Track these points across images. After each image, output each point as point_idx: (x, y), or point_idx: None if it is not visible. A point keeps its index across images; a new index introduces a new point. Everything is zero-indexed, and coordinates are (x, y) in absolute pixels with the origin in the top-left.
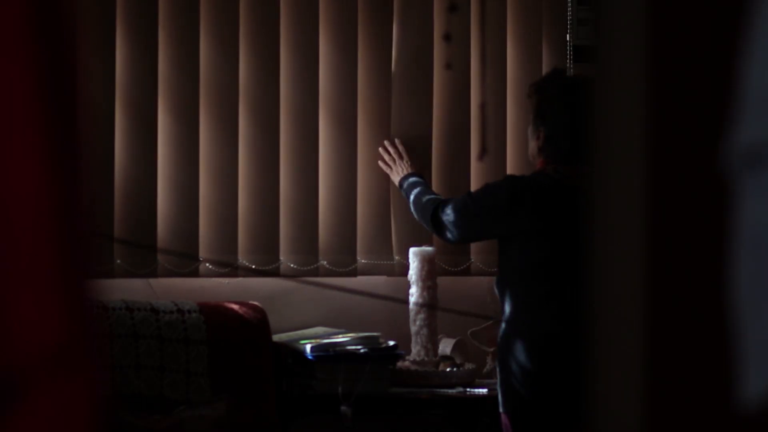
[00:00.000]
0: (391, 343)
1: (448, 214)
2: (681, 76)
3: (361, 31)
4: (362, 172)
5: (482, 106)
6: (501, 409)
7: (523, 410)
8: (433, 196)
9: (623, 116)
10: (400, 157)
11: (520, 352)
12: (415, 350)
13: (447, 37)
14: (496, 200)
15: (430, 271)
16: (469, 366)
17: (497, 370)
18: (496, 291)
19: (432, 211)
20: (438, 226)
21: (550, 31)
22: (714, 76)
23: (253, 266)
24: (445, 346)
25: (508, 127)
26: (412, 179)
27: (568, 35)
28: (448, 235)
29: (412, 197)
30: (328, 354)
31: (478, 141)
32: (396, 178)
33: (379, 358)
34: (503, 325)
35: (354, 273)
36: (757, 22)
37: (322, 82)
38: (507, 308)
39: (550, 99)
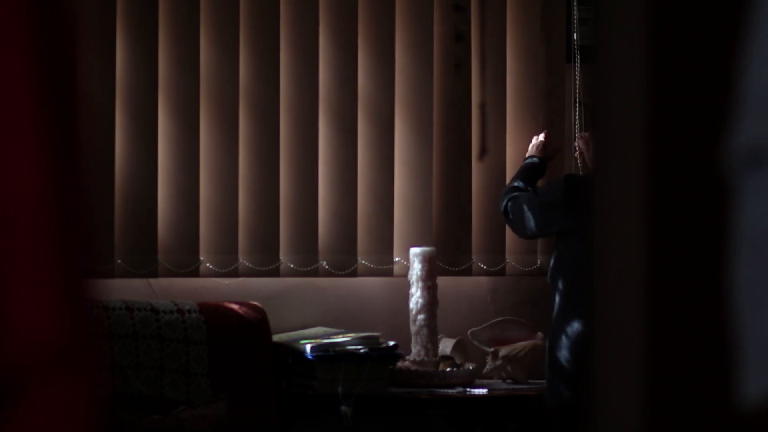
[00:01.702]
0: (391, 343)
1: (515, 210)
2: (681, 76)
3: (361, 31)
4: (362, 172)
5: (482, 106)
6: (548, 402)
7: (570, 405)
8: (514, 190)
9: (623, 116)
10: (540, 142)
11: (571, 347)
12: (415, 350)
13: (458, 37)
14: (554, 198)
15: (430, 271)
16: (469, 366)
17: (547, 363)
18: (551, 285)
19: (504, 204)
20: (507, 219)
21: (550, 31)
22: (714, 76)
23: (253, 266)
24: (445, 346)
25: (508, 127)
26: (525, 162)
27: (575, 35)
28: (515, 229)
29: (509, 181)
30: (328, 354)
31: (478, 141)
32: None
33: (379, 358)
34: (555, 319)
35: (354, 273)
36: (757, 22)
37: (322, 82)
38: (559, 304)
39: None
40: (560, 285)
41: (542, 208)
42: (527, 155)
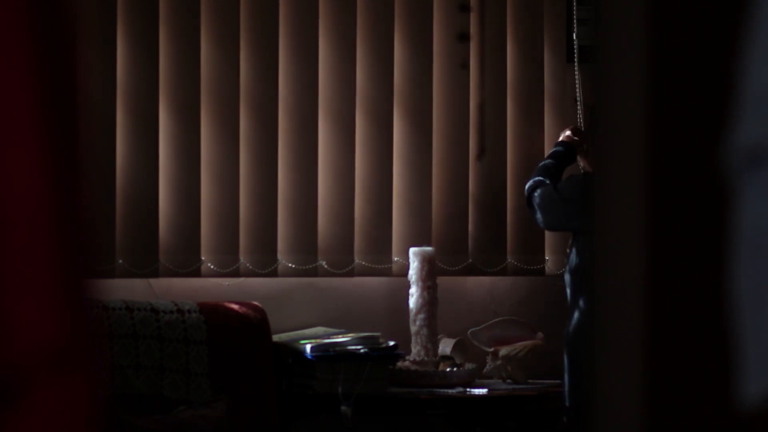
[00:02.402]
0: (391, 343)
1: (538, 200)
2: (681, 75)
3: (360, 31)
4: (361, 172)
5: (481, 106)
6: (566, 403)
7: None
8: (539, 183)
9: (623, 116)
10: (573, 132)
11: None
12: (415, 350)
13: (462, 38)
14: (574, 193)
15: (430, 271)
16: (469, 366)
17: (566, 363)
18: (565, 283)
19: (528, 193)
20: (531, 208)
21: (550, 31)
22: (714, 75)
23: (253, 266)
24: (445, 346)
25: (508, 127)
26: (553, 150)
27: (575, 34)
28: (537, 220)
29: (534, 173)
30: (328, 354)
31: (478, 141)
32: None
33: (379, 358)
34: (573, 319)
35: (352, 273)
36: (757, 22)
37: (322, 82)
38: (576, 302)
39: None
40: (581, 283)
41: (564, 203)
42: (557, 141)
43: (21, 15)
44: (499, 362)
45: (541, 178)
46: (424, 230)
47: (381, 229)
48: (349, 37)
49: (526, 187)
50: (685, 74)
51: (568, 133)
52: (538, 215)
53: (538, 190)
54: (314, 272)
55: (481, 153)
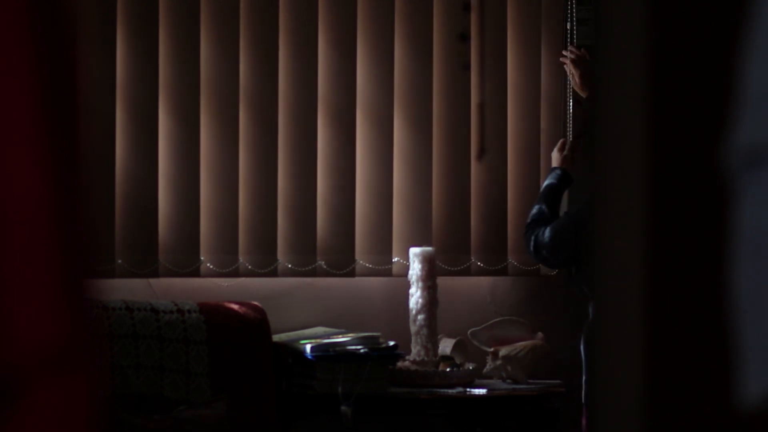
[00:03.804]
0: (391, 343)
1: (546, 238)
2: (681, 75)
3: (360, 31)
4: (361, 172)
5: (482, 106)
6: (584, 401)
7: None
8: (534, 224)
9: (623, 116)
10: (560, 149)
11: None
12: (415, 350)
13: (462, 37)
14: (580, 213)
15: (430, 271)
16: (469, 366)
17: (584, 363)
18: (583, 287)
19: (530, 243)
20: (540, 256)
21: (550, 31)
22: (714, 75)
23: (252, 266)
24: (445, 346)
25: (508, 128)
26: (549, 180)
27: (574, 34)
28: (549, 258)
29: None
30: (328, 354)
31: (478, 141)
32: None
33: (379, 358)
34: (593, 316)
35: (352, 273)
36: (757, 22)
37: (322, 82)
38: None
39: None
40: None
41: (574, 226)
42: (552, 167)
43: (21, 15)
44: (499, 362)
45: (534, 218)
46: (425, 230)
47: (381, 230)
48: (349, 36)
49: (526, 239)
50: (685, 74)
51: (556, 154)
52: (550, 255)
53: (545, 231)
54: (313, 273)
55: (482, 153)
